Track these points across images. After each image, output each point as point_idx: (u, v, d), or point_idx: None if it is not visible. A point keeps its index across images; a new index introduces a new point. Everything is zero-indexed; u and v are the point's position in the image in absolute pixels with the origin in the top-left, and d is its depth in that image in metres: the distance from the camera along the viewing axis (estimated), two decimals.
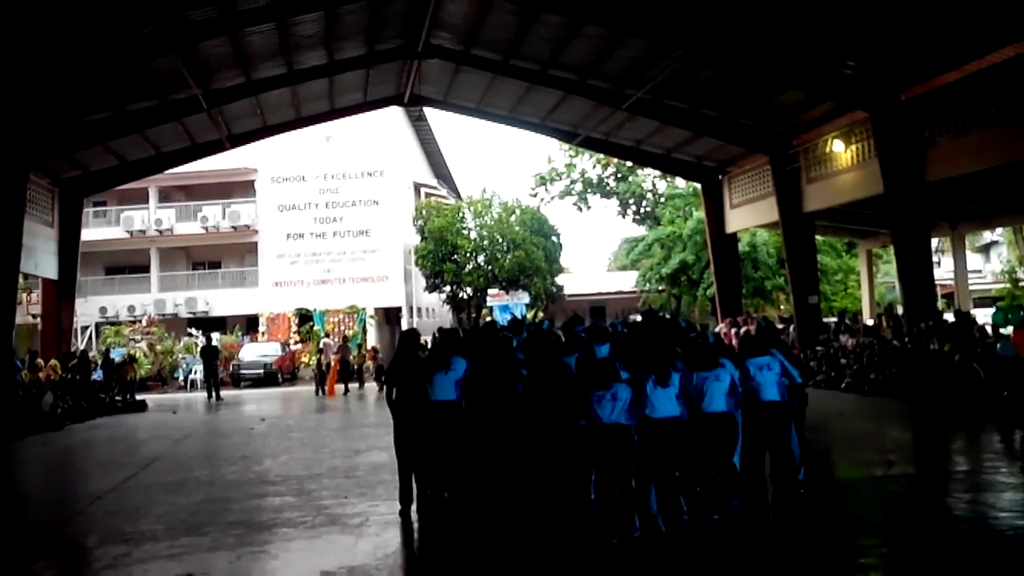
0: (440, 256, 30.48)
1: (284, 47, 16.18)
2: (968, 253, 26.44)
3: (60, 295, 20.55)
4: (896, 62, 14.64)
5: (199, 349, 24.92)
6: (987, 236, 37.01)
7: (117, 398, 19.63)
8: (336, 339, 26.95)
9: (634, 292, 33.69)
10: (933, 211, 18.11)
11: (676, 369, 6.28)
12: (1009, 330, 13.61)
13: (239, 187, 33.32)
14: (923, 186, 15.53)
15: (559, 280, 32.46)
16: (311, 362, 25.39)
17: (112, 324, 30.24)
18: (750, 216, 22.18)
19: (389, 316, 32.95)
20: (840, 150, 17.61)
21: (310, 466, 9.94)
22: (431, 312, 35.98)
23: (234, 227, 32.07)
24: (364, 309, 31.01)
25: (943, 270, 27.90)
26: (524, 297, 29.78)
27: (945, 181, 15.47)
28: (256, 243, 32.27)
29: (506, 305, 28.95)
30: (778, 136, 19.29)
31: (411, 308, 32.55)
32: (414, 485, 7.06)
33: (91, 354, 22.33)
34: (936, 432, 11.12)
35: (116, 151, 19.35)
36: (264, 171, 31.95)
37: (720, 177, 23.00)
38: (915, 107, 15.31)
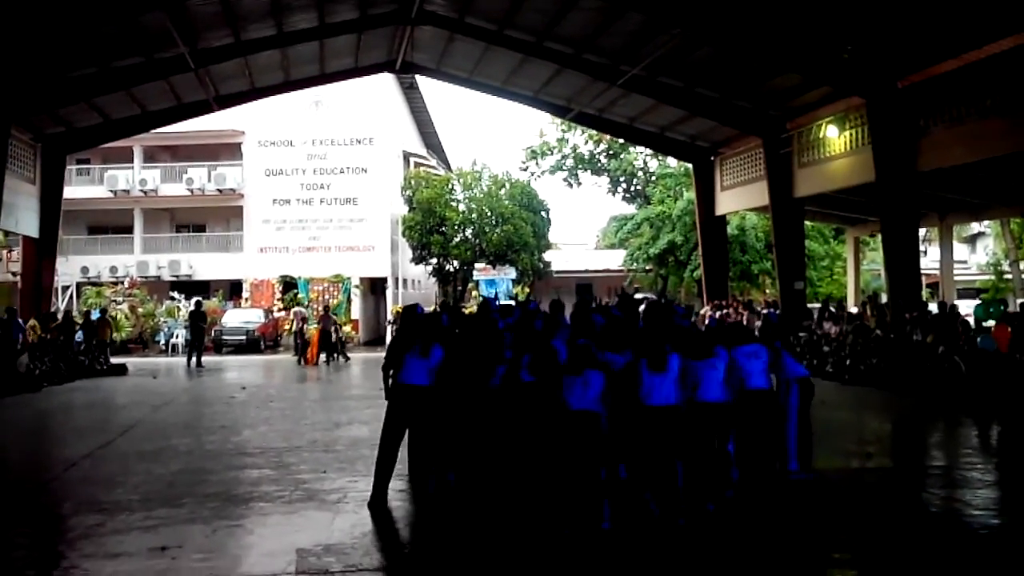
0: (428, 228, 30.26)
1: (275, 8, 15.84)
2: (955, 243, 26.57)
3: (41, 253, 20.22)
4: (894, 49, 14.53)
5: (188, 313, 24.66)
6: (974, 227, 37.19)
7: (100, 360, 19.45)
8: (317, 307, 26.86)
9: (622, 271, 33.66)
10: (923, 201, 18.11)
11: (672, 355, 6.19)
12: (991, 324, 13.70)
13: (225, 149, 32.82)
14: (915, 175, 15.49)
15: (547, 256, 32.35)
16: (293, 329, 25.24)
17: (94, 285, 29.87)
18: (740, 199, 22.13)
19: (375, 286, 32.77)
20: (834, 136, 17.53)
21: (289, 438, 9.88)
22: (417, 284, 35.81)
23: (219, 190, 31.63)
24: (349, 278, 30.82)
25: (929, 259, 28.02)
26: (511, 272, 29.66)
27: (936, 171, 15.45)
28: (241, 207, 31.88)
29: (492, 279, 28.84)
30: (772, 119, 19.18)
31: (397, 279, 32.38)
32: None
33: (72, 314, 22.07)
34: (915, 425, 11.19)
35: (101, 108, 18.96)
36: (251, 134, 31.46)
37: (712, 158, 22.90)
38: (911, 95, 15.22)
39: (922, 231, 24.74)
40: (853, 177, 17.22)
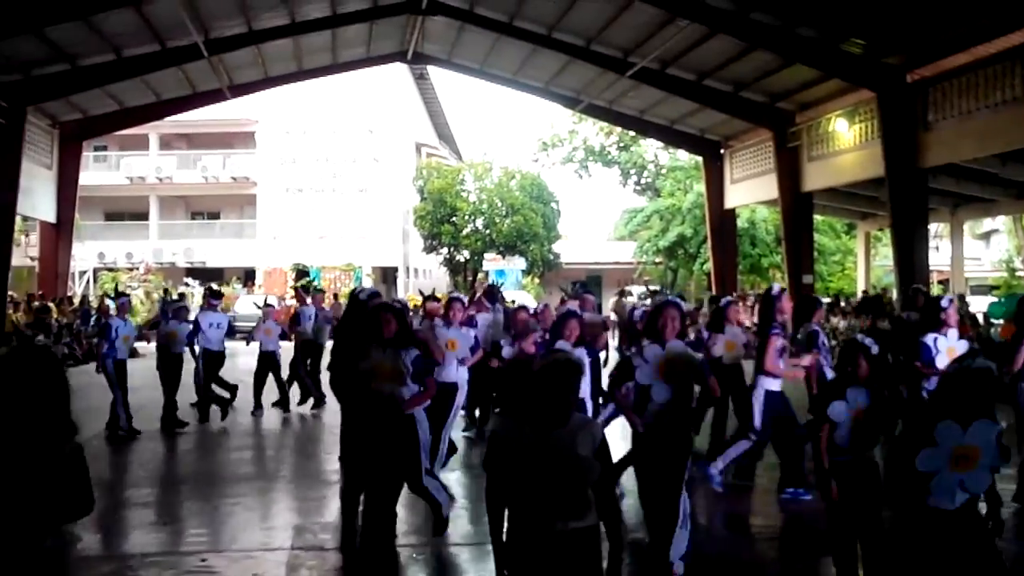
0: (438, 218, 30.41)
1: None
2: (969, 240, 26.38)
3: (58, 239, 20.55)
4: (904, 42, 14.46)
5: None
6: (988, 224, 36.92)
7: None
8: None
9: (632, 263, 33.70)
10: (933, 196, 18.02)
11: None
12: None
13: (240, 138, 33.10)
14: (924, 170, 15.43)
15: (556, 247, 32.44)
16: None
17: (110, 270, 30.27)
18: (750, 192, 22.10)
19: (386, 275, 32.99)
20: (843, 129, 17.47)
21: (295, 419, 10.05)
22: (428, 273, 36.01)
23: (233, 178, 31.96)
24: (360, 267, 31.04)
25: (942, 255, 27.85)
26: (521, 263, 29.79)
27: (948, 166, 15.38)
28: (255, 195, 32.18)
29: (502, 270, 28.99)
30: (782, 112, 19.13)
31: (407, 268, 32.58)
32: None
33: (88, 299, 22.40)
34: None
35: (115, 95, 19.15)
36: (265, 123, 31.72)
37: (722, 151, 22.86)
38: (921, 89, 15.16)
39: (935, 227, 24.61)
40: (863, 171, 17.17)
